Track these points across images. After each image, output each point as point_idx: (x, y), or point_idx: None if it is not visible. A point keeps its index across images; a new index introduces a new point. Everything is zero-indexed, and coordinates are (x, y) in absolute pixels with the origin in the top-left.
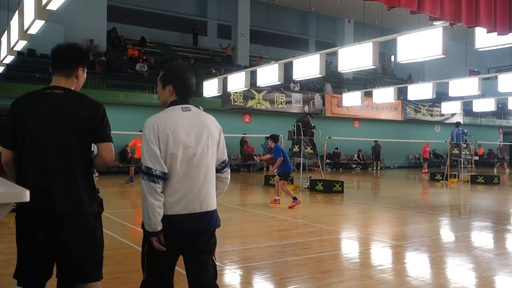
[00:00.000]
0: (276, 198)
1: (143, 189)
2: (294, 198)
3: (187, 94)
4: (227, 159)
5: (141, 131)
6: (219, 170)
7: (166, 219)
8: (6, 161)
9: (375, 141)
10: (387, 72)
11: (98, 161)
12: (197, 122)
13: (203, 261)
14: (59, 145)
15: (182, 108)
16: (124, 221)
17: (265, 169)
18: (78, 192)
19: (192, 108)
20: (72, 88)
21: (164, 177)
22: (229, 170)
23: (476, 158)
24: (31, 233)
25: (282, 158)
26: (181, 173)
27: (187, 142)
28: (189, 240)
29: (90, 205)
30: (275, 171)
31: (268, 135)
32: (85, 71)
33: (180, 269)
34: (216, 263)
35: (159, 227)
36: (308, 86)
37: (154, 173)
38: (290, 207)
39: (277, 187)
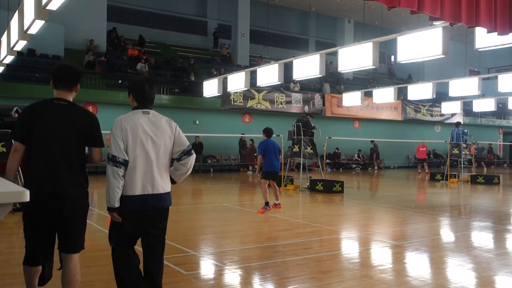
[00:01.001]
0: (276, 202)
1: (108, 172)
2: (266, 204)
3: (146, 101)
4: (186, 148)
5: None
6: (178, 158)
7: (127, 198)
8: (17, 148)
9: (372, 141)
10: (391, 72)
11: (89, 161)
12: (153, 123)
13: (157, 233)
14: (63, 145)
15: (142, 111)
16: None
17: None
18: (76, 182)
19: (151, 112)
20: (71, 100)
21: (126, 164)
22: (189, 157)
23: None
24: (39, 214)
25: (262, 156)
26: (138, 161)
27: (143, 137)
28: (143, 217)
29: (83, 192)
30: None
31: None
32: (77, 86)
33: (180, 269)
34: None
35: (117, 204)
36: (308, 86)
37: (118, 160)
38: (260, 212)
39: (274, 191)
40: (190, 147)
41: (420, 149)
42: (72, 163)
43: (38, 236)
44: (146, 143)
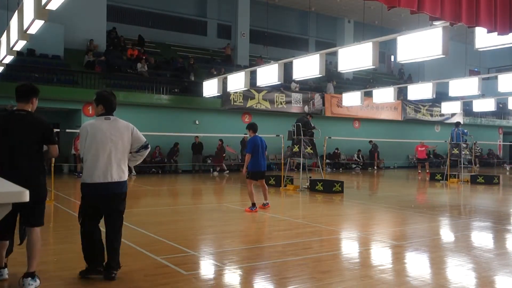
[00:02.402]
0: (264, 202)
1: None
2: (253, 205)
3: (110, 110)
4: (143, 144)
5: None
6: (137, 151)
7: (89, 185)
8: None
9: (370, 141)
10: (393, 73)
11: (48, 155)
12: (113, 126)
13: (114, 216)
14: (24, 145)
15: (105, 118)
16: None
17: None
18: (35, 172)
19: (111, 118)
20: (30, 110)
21: (85, 158)
22: (146, 150)
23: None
24: None
25: (250, 154)
26: (100, 156)
27: (103, 138)
28: (103, 199)
29: (41, 179)
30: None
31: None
32: (37, 99)
33: (180, 269)
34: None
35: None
36: (308, 86)
37: (81, 156)
38: (247, 211)
39: (263, 190)
40: (147, 142)
41: (419, 149)
42: (31, 156)
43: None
44: (106, 142)
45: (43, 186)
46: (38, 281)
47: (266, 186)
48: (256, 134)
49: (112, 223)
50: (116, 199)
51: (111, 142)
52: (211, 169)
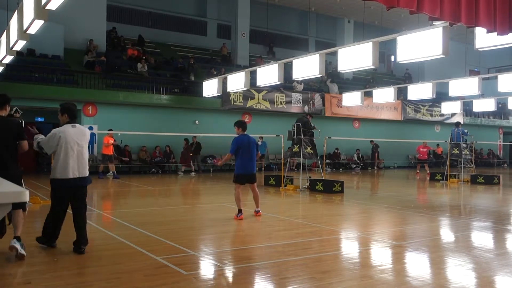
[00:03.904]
0: (256, 209)
1: (40, 146)
2: (239, 211)
3: (74, 118)
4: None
5: (108, 130)
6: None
7: (61, 180)
8: None
9: (371, 141)
10: (393, 73)
11: (20, 150)
12: (78, 132)
13: (80, 203)
14: (2, 141)
15: (71, 125)
16: (124, 221)
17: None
18: (12, 164)
19: (77, 125)
20: (4, 115)
21: (48, 155)
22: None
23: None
24: None
25: (233, 154)
26: (69, 157)
27: (70, 141)
28: (72, 191)
29: (16, 169)
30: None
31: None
32: (9, 106)
33: (180, 269)
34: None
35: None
36: (308, 86)
37: (44, 152)
38: (235, 218)
39: (254, 196)
40: None
41: (421, 149)
42: (9, 150)
43: None
44: (73, 145)
45: (20, 175)
46: (21, 242)
47: (257, 191)
48: (245, 133)
49: (79, 208)
50: (82, 190)
51: (77, 145)
52: (177, 169)
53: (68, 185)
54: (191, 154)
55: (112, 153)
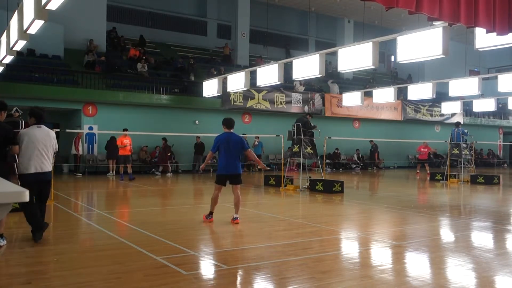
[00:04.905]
0: (234, 216)
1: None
2: (210, 213)
3: (40, 120)
4: (57, 150)
5: (123, 130)
6: (54, 154)
7: (28, 175)
8: None
9: (371, 141)
10: (393, 73)
11: (12, 152)
12: (45, 133)
13: (45, 193)
14: None
15: (37, 126)
16: (124, 221)
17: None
18: (3, 161)
19: (42, 126)
20: (2, 120)
21: (22, 155)
22: (56, 153)
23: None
24: None
25: (213, 153)
26: (33, 154)
27: (35, 141)
28: (37, 184)
29: (5, 164)
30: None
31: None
32: (5, 112)
33: (180, 269)
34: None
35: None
36: (308, 86)
37: (18, 153)
38: (203, 218)
39: (235, 200)
40: (57, 150)
41: (422, 149)
42: (2, 152)
43: None
44: (37, 144)
45: (6, 174)
46: (4, 240)
47: (239, 195)
48: (231, 131)
49: (42, 199)
50: (44, 183)
51: (42, 144)
52: (154, 170)
53: (31, 179)
54: (169, 154)
55: (129, 154)
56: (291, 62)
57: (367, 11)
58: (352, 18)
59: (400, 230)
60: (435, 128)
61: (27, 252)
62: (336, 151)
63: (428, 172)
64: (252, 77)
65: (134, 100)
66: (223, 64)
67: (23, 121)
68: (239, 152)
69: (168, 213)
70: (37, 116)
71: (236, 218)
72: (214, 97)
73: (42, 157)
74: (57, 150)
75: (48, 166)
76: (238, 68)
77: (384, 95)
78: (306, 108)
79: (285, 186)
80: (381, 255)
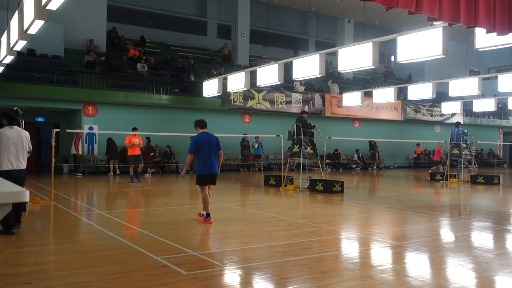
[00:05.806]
0: (201, 212)
1: None
2: (208, 215)
3: (13, 122)
4: (30, 150)
5: (133, 129)
6: (28, 153)
7: (6, 171)
8: None
9: (370, 141)
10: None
11: None
12: (16, 133)
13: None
14: None
15: (9, 127)
16: (124, 221)
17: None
18: None
19: (14, 127)
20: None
21: None
22: (28, 154)
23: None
24: None
25: (193, 154)
26: (10, 153)
27: (7, 140)
28: (15, 180)
29: None
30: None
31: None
32: (6, 119)
33: (180, 269)
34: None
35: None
36: (308, 86)
37: None
38: (201, 222)
39: (203, 197)
40: (31, 150)
41: (439, 150)
42: None
43: None
44: (11, 144)
45: None
46: None
47: (209, 195)
48: (206, 130)
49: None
50: (20, 179)
51: (15, 144)
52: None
53: (5, 176)
54: (151, 153)
55: (139, 153)
56: (291, 62)
57: (367, 11)
58: (352, 18)
59: (400, 230)
60: (435, 128)
61: (27, 252)
62: (336, 152)
63: (429, 172)
64: (252, 77)
65: (134, 100)
66: (223, 64)
67: (23, 121)
68: (217, 151)
69: (168, 213)
70: (9, 118)
71: (203, 215)
72: (214, 97)
73: (17, 155)
74: (31, 150)
75: (22, 163)
76: (238, 68)
77: (384, 95)
78: (306, 108)
79: (285, 186)
80: (381, 255)
